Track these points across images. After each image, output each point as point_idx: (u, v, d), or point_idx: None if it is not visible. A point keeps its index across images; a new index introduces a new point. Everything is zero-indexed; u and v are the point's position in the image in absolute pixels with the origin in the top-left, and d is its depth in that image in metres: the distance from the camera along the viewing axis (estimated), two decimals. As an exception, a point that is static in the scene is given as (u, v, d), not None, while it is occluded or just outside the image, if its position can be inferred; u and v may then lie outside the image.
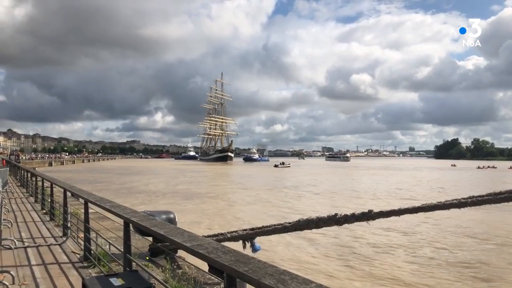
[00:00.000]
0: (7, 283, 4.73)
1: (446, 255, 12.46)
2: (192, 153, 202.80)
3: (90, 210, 6.28)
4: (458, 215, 16.51)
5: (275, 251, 12.31)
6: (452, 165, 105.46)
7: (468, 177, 57.41)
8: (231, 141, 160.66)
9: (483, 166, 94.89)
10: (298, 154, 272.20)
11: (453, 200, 4.24)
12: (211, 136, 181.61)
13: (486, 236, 15.33)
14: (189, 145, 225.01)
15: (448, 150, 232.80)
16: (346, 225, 4.67)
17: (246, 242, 5.23)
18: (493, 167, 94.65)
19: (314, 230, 4.92)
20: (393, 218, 4.49)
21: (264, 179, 50.52)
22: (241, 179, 51.53)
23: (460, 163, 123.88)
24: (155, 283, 4.02)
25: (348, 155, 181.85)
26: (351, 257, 12.07)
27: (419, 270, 10.76)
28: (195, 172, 69.13)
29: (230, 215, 20.41)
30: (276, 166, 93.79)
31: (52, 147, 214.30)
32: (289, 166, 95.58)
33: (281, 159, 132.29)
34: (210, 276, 4.81)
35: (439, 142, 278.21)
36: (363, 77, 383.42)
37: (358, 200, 26.16)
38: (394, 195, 30.32)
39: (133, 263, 4.23)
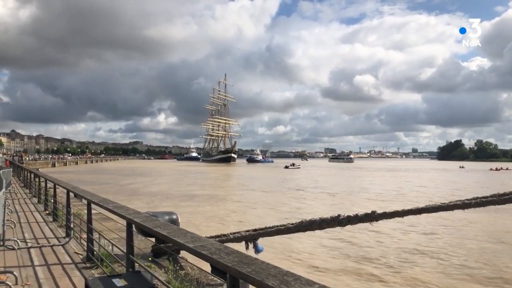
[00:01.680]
0: (10, 284, 4.74)
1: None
2: (194, 154, 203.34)
3: (93, 211, 6.27)
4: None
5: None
6: (460, 167, 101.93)
7: (490, 181, 52.75)
8: (235, 142, 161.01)
9: (496, 168, 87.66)
10: (301, 155, 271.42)
11: (456, 201, 4.21)
12: (214, 137, 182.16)
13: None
14: (192, 146, 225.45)
15: (451, 152, 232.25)
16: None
17: (249, 243, 5.21)
18: (507, 168, 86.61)
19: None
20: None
21: (286, 182, 47.84)
22: (259, 181, 48.78)
23: (465, 164, 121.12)
24: (157, 284, 4.01)
25: (351, 156, 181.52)
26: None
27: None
28: (203, 173, 68.87)
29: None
30: (286, 167, 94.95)
31: (55, 148, 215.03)
32: (299, 168, 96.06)
33: (284, 160, 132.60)
34: (213, 277, 4.79)
35: (442, 143, 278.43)
36: (366, 78, 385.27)
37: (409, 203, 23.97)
38: (438, 199, 27.11)
39: (136, 264, 4.22)
